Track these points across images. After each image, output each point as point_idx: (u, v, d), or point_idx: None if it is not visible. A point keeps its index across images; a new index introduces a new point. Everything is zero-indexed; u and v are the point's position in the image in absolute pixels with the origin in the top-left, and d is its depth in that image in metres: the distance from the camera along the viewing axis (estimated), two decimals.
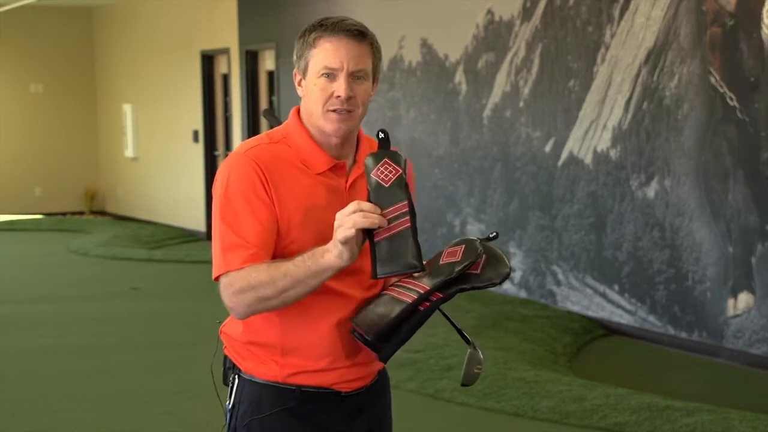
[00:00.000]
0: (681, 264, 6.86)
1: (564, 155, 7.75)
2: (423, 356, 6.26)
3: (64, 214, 15.81)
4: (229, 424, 2.39)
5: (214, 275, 2.29)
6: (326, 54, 2.27)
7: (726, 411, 5.18)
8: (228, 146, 12.81)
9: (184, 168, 13.60)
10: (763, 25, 6.30)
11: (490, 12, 8.41)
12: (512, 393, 5.54)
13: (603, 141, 7.40)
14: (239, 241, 2.24)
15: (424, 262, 2.25)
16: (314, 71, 2.29)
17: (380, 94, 9.44)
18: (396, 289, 2.28)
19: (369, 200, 2.18)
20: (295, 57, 2.35)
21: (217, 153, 12.98)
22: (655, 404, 5.26)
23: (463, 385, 2.36)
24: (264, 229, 2.25)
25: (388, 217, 2.16)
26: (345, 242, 2.12)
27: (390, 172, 2.20)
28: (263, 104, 12.12)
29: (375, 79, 2.34)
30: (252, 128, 12.01)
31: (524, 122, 8.12)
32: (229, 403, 2.39)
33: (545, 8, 7.85)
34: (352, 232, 2.11)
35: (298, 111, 2.38)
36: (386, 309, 2.25)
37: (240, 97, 12.26)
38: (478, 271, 2.24)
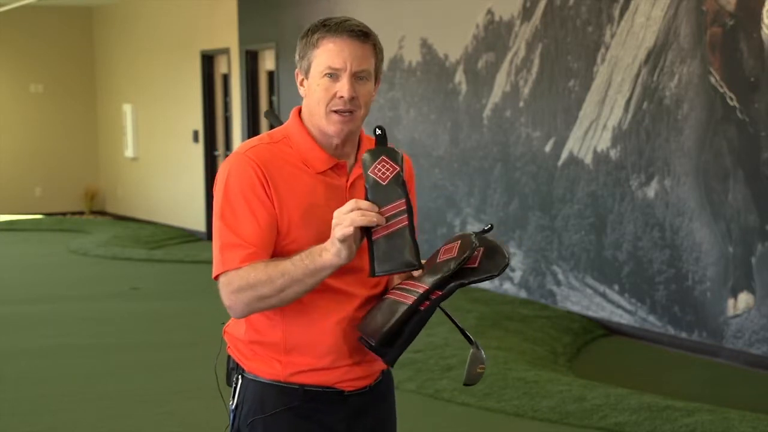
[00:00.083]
0: (681, 264, 6.86)
1: (564, 155, 7.75)
2: (423, 356, 6.26)
3: (64, 214, 15.82)
4: (233, 424, 2.39)
5: (213, 274, 2.30)
6: (329, 54, 2.27)
7: (726, 411, 5.18)
8: (228, 146, 12.81)
9: (184, 168, 13.60)
10: (763, 25, 6.30)
11: (490, 12, 8.41)
12: (512, 393, 5.54)
13: (603, 141, 7.40)
14: (238, 241, 2.25)
15: (423, 261, 2.26)
16: (317, 71, 2.29)
17: (380, 94, 9.44)
18: (397, 291, 2.28)
19: (367, 198, 2.18)
20: (297, 57, 2.35)
21: (217, 153, 12.98)
22: (655, 404, 5.26)
23: (465, 384, 2.36)
24: (263, 229, 2.26)
25: (386, 215, 2.16)
26: (343, 240, 2.13)
27: (387, 169, 2.20)
28: (263, 104, 12.12)
29: (377, 80, 2.34)
30: (252, 128, 12.01)
31: (524, 122, 8.12)
32: (233, 403, 2.39)
33: (545, 8, 7.85)
34: (350, 230, 2.12)
35: (299, 111, 2.38)
36: (388, 313, 2.25)
37: (240, 97, 12.26)
38: (476, 265, 2.24)
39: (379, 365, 2.41)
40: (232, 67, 12.35)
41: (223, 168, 2.33)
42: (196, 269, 10.32)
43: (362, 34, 2.28)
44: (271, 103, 11.92)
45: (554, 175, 7.85)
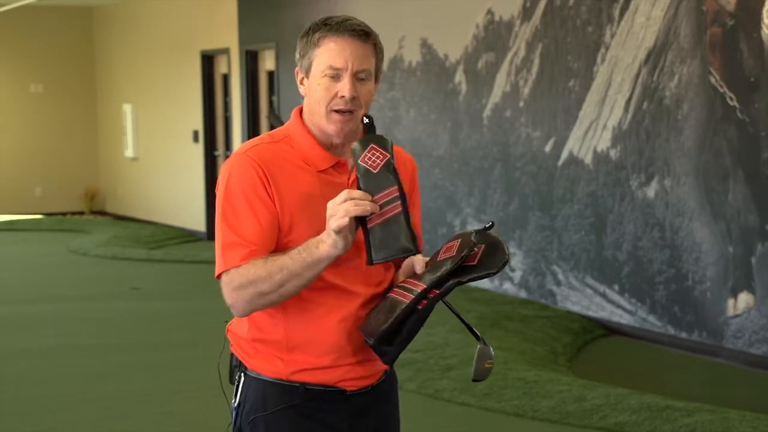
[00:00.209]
0: (681, 264, 6.86)
1: (564, 155, 7.75)
2: (423, 356, 6.26)
3: (64, 214, 15.82)
4: (235, 421, 2.40)
5: (215, 274, 2.31)
6: (331, 54, 2.27)
7: (726, 411, 5.18)
8: (228, 146, 12.81)
9: (184, 168, 13.60)
10: (763, 25, 6.30)
11: (490, 12, 8.41)
12: (512, 393, 5.54)
13: (603, 141, 7.40)
14: (239, 240, 2.26)
15: (427, 260, 2.26)
16: (318, 70, 2.29)
17: (380, 94, 9.45)
18: (397, 290, 2.29)
19: (359, 187, 2.18)
20: (297, 55, 2.35)
21: (217, 153, 12.98)
22: (655, 404, 5.26)
23: (474, 380, 2.36)
24: (264, 228, 2.26)
25: (380, 203, 2.17)
26: (339, 231, 2.14)
27: (378, 157, 2.20)
28: (263, 104, 12.12)
29: (377, 79, 2.35)
30: (252, 128, 12.01)
31: (524, 122, 8.12)
32: (235, 401, 2.40)
33: (545, 8, 7.85)
34: (345, 221, 2.13)
35: (300, 111, 2.39)
36: (387, 312, 2.26)
37: (240, 97, 12.26)
38: (476, 262, 2.24)
39: (382, 365, 2.41)
40: (232, 67, 12.35)
41: (224, 168, 2.34)
42: (196, 269, 10.32)
43: (364, 34, 2.29)
44: (271, 102, 11.92)
45: (554, 175, 7.85)
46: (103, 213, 15.99)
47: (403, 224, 2.17)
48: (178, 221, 13.79)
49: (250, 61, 12.05)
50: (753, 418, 5.04)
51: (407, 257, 2.25)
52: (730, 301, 6.53)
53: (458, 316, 2.41)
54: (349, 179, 2.34)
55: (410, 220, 2.19)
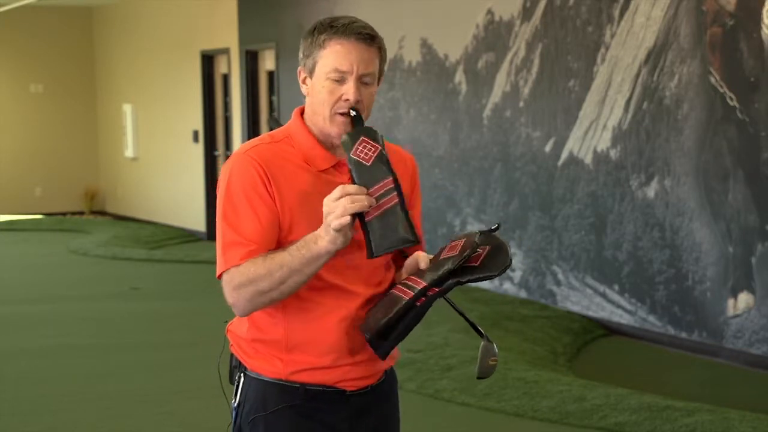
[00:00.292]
0: (681, 264, 6.86)
1: (564, 155, 7.75)
2: (423, 356, 6.26)
3: (64, 214, 15.82)
4: (235, 422, 2.40)
5: (216, 273, 2.31)
6: (336, 56, 2.27)
7: (726, 411, 5.18)
8: (228, 146, 12.81)
9: (184, 168, 13.60)
10: (763, 25, 6.30)
11: (490, 12, 8.41)
12: (512, 393, 5.54)
13: (603, 141, 7.40)
14: (240, 239, 2.26)
15: (431, 257, 2.26)
16: (322, 72, 2.29)
17: (380, 94, 9.44)
18: (399, 286, 2.29)
19: (352, 181, 2.17)
20: (301, 55, 2.35)
21: (217, 153, 12.98)
22: (655, 404, 5.26)
23: (479, 377, 2.35)
24: (264, 227, 2.27)
25: (375, 195, 2.15)
26: (339, 230, 2.13)
27: (369, 149, 2.18)
28: (263, 104, 12.12)
29: (378, 81, 2.35)
30: (252, 128, 12.01)
31: (524, 122, 8.12)
32: (235, 401, 2.40)
33: (545, 8, 7.85)
34: (346, 219, 2.12)
35: (301, 111, 2.39)
36: (387, 307, 2.26)
37: (240, 97, 12.26)
38: (478, 264, 2.24)
39: (382, 365, 2.41)
40: (232, 67, 12.35)
41: (225, 168, 2.34)
42: (196, 269, 10.31)
43: (369, 38, 2.29)
44: (271, 102, 11.93)
45: (554, 175, 7.85)
46: (103, 213, 15.99)
47: (400, 215, 2.16)
48: (178, 221, 13.79)
49: (250, 61, 12.05)
50: (753, 418, 5.04)
51: (407, 248, 2.24)
52: (730, 301, 6.53)
53: (461, 314, 2.41)
54: (349, 179, 2.34)
55: (407, 211, 2.18)
